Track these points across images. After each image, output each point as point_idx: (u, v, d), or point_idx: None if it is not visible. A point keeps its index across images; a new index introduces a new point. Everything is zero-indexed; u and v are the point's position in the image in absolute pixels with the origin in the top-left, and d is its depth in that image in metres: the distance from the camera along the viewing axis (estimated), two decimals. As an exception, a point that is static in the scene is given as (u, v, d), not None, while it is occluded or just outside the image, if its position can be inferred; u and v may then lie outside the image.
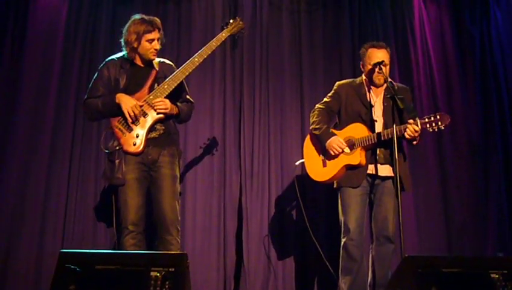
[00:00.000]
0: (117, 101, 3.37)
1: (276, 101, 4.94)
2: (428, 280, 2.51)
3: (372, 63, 3.64)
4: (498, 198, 4.90)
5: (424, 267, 2.55)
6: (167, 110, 3.41)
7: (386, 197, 3.62)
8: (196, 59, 3.51)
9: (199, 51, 3.55)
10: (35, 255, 4.33)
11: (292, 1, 5.17)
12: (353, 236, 3.57)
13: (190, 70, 3.49)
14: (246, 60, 4.96)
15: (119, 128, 3.39)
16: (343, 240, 3.63)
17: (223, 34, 3.63)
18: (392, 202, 3.58)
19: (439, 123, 3.38)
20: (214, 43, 3.58)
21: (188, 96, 3.70)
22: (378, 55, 3.65)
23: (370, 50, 3.72)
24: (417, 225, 4.77)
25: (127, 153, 3.37)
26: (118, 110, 3.38)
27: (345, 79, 3.98)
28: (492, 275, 2.58)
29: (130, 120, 3.36)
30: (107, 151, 3.41)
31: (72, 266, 2.45)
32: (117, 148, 3.37)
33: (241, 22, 3.71)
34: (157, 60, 3.60)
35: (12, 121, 4.57)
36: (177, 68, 3.57)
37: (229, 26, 3.68)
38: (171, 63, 3.69)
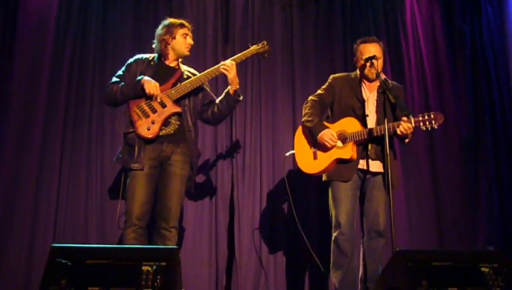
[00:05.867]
0: (142, 81, 3.50)
1: (268, 96, 4.94)
2: (419, 273, 2.52)
3: (364, 57, 3.65)
4: (488, 192, 4.92)
5: (414, 261, 2.57)
6: (228, 73, 3.60)
7: (376, 192, 3.63)
8: (221, 67, 3.66)
9: (224, 61, 3.68)
10: (26, 249, 4.31)
11: (284, -4, 5.16)
12: (344, 230, 3.58)
13: (212, 76, 3.68)
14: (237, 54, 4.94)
15: (137, 113, 3.51)
16: (334, 235, 3.63)
17: (249, 51, 3.78)
18: (382, 196, 3.58)
19: (433, 122, 3.40)
20: (238, 57, 3.74)
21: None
22: (370, 49, 3.67)
23: (362, 45, 3.74)
24: (408, 220, 4.78)
25: (140, 137, 3.47)
26: (140, 92, 3.50)
27: (337, 73, 3.98)
28: (483, 269, 2.61)
29: (148, 94, 3.47)
30: (122, 132, 3.54)
31: (63, 261, 2.44)
32: (131, 130, 3.49)
33: (267, 46, 3.81)
34: (184, 67, 3.78)
35: (2, 119, 4.53)
36: None
37: (255, 45, 3.80)
38: (196, 72, 3.81)
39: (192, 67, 3.91)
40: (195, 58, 4.78)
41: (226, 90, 3.71)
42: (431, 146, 5.02)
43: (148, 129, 3.46)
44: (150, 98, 3.51)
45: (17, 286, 4.22)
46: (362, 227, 3.74)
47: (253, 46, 3.78)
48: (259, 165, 4.76)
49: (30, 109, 4.60)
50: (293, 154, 3.95)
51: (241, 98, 3.76)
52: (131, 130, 3.49)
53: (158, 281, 2.41)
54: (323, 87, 3.88)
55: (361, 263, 3.69)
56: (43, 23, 4.78)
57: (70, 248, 2.62)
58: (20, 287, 4.22)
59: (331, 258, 3.66)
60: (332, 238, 3.64)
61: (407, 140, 3.58)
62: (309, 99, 3.86)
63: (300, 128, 3.90)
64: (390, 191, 3.25)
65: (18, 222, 4.36)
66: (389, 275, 2.67)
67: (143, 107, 3.51)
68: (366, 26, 5.17)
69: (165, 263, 2.46)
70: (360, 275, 3.68)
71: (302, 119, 3.82)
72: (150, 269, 2.44)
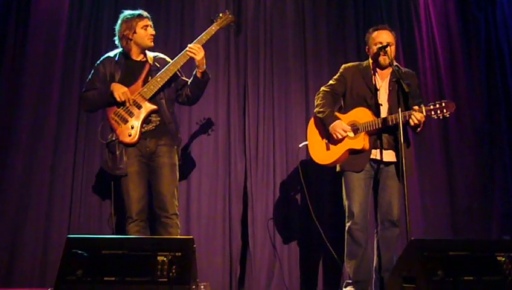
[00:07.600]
0: (111, 89, 3.51)
1: (281, 86, 4.92)
2: (435, 263, 2.51)
3: (376, 43, 3.63)
4: (503, 181, 4.88)
5: (430, 251, 2.55)
6: (196, 56, 3.52)
7: (390, 182, 3.61)
8: (187, 51, 3.59)
9: (190, 44, 3.60)
10: (42, 241, 4.36)
11: (296, -15, 5.13)
12: (357, 220, 3.57)
13: (181, 63, 3.62)
14: (250, 45, 4.94)
15: (115, 120, 3.55)
16: (347, 225, 3.63)
17: (213, 28, 3.69)
18: (396, 186, 3.57)
19: (444, 111, 3.36)
20: (203, 38, 3.65)
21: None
22: (383, 36, 3.65)
23: (374, 33, 3.72)
24: (422, 209, 4.76)
25: (122, 143, 3.51)
26: (111, 99, 3.52)
27: (348, 63, 3.94)
28: (499, 258, 2.59)
29: (120, 101, 3.49)
30: (104, 142, 3.59)
31: (79, 251, 2.47)
32: (114, 138, 3.53)
33: (230, 16, 3.76)
34: (151, 54, 3.73)
35: (16, 111, 4.57)
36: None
37: (218, 19, 3.72)
38: (165, 57, 3.79)
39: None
40: (208, 50, 4.75)
41: (194, 73, 3.65)
42: (445, 135, 4.99)
43: (130, 135, 3.50)
44: (123, 102, 3.52)
45: (34, 276, 4.27)
46: (376, 217, 3.73)
47: (215, 22, 3.70)
48: (272, 155, 4.75)
49: (44, 99, 4.64)
50: (306, 145, 3.94)
51: (209, 77, 3.69)
52: (113, 138, 3.53)
53: (173, 271, 2.42)
54: (334, 77, 3.85)
55: (375, 252, 3.69)
56: (55, 16, 4.80)
57: (86, 238, 2.65)
58: (36, 277, 4.27)
59: (345, 248, 3.66)
60: (346, 228, 3.64)
61: (419, 129, 3.53)
62: (321, 90, 3.84)
63: (312, 120, 3.89)
64: (405, 181, 3.23)
65: (33, 214, 4.41)
66: (404, 265, 2.66)
67: (120, 113, 3.53)
68: (378, 15, 5.13)
69: (180, 253, 2.48)
70: (374, 265, 3.68)
71: (314, 110, 3.80)
72: (165, 259, 2.45)
